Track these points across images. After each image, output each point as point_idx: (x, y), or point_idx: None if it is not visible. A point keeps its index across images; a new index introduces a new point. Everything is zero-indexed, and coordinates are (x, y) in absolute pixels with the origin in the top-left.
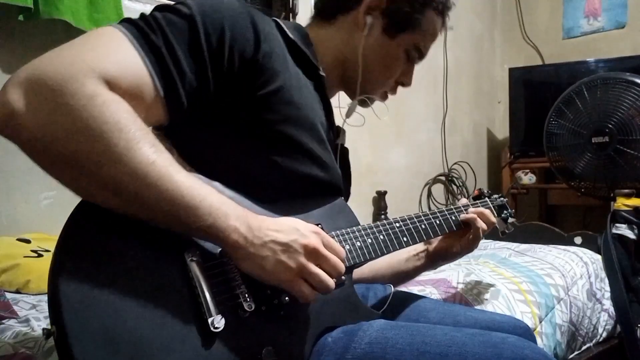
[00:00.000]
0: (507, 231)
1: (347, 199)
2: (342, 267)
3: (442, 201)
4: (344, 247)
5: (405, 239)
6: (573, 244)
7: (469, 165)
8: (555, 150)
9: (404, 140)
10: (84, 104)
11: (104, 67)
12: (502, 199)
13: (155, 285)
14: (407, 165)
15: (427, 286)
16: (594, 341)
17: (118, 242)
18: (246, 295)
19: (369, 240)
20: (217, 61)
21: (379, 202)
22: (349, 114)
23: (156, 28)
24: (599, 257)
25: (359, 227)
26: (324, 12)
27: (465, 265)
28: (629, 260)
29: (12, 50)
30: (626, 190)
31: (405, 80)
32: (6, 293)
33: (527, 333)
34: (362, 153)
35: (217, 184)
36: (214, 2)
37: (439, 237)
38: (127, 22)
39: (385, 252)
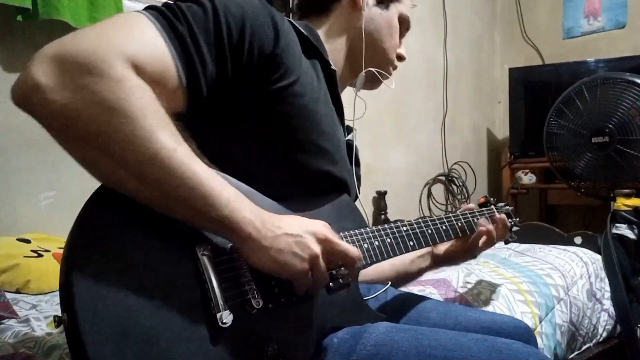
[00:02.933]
0: (510, 240)
1: (356, 199)
2: (356, 252)
3: (442, 201)
4: None
5: (411, 242)
6: (573, 244)
7: (469, 165)
8: (555, 150)
9: (404, 140)
10: (112, 85)
11: (132, 51)
12: (507, 207)
13: (166, 279)
14: (407, 165)
15: (427, 286)
16: (594, 341)
17: (131, 234)
18: (255, 292)
19: (376, 243)
20: (237, 54)
21: (379, 202)
22: (358, 88)
23: (181, 17)
24: (599, 257)
25: (367, 229)
26: (316, 7)
27: (465, 265)
28: (629, 260)
29: (12, 50)
30: (626, 190)
31: (402, 52)
32: (6, 293)
33: (527, 333)
34: (362, 153)
35: (232, 179)
36: None
37: (446, 242)
38: (153, 9)
39: (392, 255)
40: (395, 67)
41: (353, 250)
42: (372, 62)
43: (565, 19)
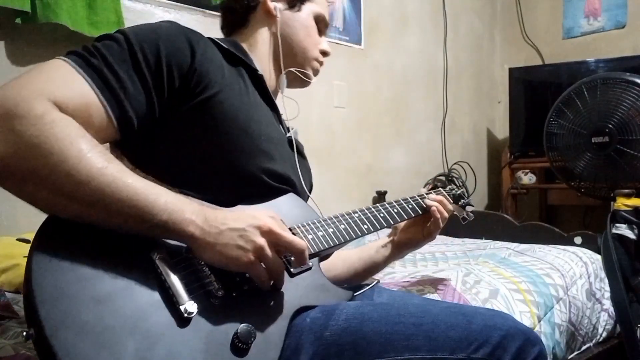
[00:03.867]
0: (468, 218)
1: (310, 191)
2: (301, 243)
3: None
4: (307, 237)
5: (365, 226)
6: (573, 244)
7: (469, 165)
8: (555, 150)
9: (404, 140)
10: (34, 123)
11: (51, 90)
12: (457, 189)
13: (127, 284)
14: (407, 165)
15: (426, 286)
16: (593, 341)
17: (88, 247)
18: (215, 284)
19: (331, 230)
20: (157, 76)
21: (379, 202)
22: (282, 88)
23: (96, 53)
24: (598, 257)
25: (319, 219)
26: (235, 23)
27: (465, 265)
28: (629, 260)
29: (11, 52)
30: (626, 190)
31: (326, 48)
32: (6, 293)
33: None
34: (362, 153)
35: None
36: (148, 26)
37: (403, 228)
38: (70, 54)
39: (348, 238)
40: (321, 63)
41: (298, 241)
42: (295, 63)
43: (565, 19)
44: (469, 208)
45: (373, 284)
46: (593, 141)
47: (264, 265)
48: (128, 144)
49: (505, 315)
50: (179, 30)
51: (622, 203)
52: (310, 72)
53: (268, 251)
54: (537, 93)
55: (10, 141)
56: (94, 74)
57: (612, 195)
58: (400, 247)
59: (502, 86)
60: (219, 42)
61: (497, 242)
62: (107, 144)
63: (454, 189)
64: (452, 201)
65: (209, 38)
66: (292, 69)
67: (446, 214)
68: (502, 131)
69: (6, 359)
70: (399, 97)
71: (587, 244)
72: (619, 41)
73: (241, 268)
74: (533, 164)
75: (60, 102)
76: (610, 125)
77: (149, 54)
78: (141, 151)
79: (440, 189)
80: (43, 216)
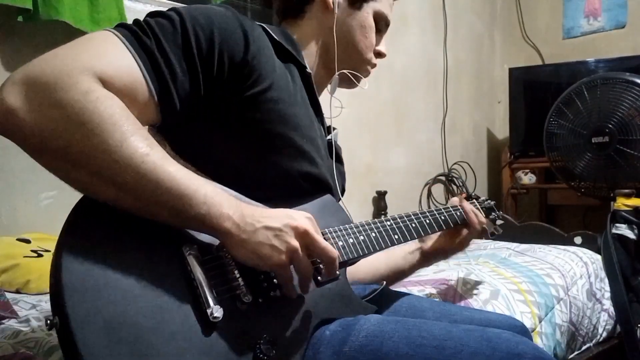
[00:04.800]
0: (496, 232)
1: (342, 195)
2: (333, 251)
3: (442, 201)
4: (337, 244)
5: (396, 236)
6: (573, 244)
7: (469, 165)
8: (555, 150)
9: (404, 140)
10: (78, 99)
11: (98, 66)
12: (489, 201)
13: (154, 279)
14: (407, 165)
15: (427, 286)
16: (594, 341)
17: (117, 238)
18: (243, 287)
19: (361, 237)
20: (207, 64)
21: (379, 202)
22: (332, 90)
23: (149, 32)
24: (598, 257)
25: (351, 224)
26: (291, 11)
27: (465, 265)
28: (629, 260)
29: (12, 50)
30: (626, 190)
31: (381, 49)
32: (6, 293)
33: (523, 332)
34: (362, 153)
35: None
36: (203, 9)
37: (432, 236)
38: (121, 27)
39: (378, 248)
40: (373, 65)
41: (331, 249)
42: (347, 63)
43: (565, 19)
44: (498, 222)
45: (380, 287)
46: (593, 141)
47: (294, 267)
48: (170, 130)
49: (528, 342)
50: (234, 19)
51: (622, 203)
52: (362, 75)
53: (301, 254)
54: (537, 93)
55: (51, 116)
56: (144, 54)
57: (612, 195)
58: (428, 256)
59: (502, 86)
60: (270, 32)
61: (497, 242)
62: (149, 128)
63: (486, 200)
64: (484, 215)
65: (261, 26)
66: (345, 71)
67: (478, 227)
68: (502, 131)
69: (6, 358)
70: (399, 97)
71: (587, 244)
72: (619, 41)
73: (272, 268)
74: (533, 164)
75: (106, 79)
76: (610, 125)
77: (202, 40)
78: (182, 139)
79: (474, 200)
80: (42, 217)
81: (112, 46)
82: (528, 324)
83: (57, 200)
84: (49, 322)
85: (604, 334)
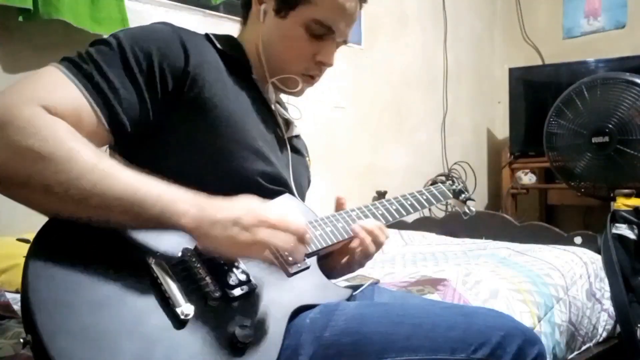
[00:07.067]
0: (468, 212)
1: (307, 187)
2: (300, 227)
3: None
4: None
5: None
6: (573, 244)
7: (469, 165)
8: (555, 150)
9: (404, 140)
10: (23, 126)
11: (41, 96)
12: (457, 184)
13: (123, 288)
14: (407, 165)
15: (427, 286)
16: (593, 341)
17: (83, 252)
18: (211, 285)
19: (329, 228)
20: (150, 80)
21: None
22: (270, 98)
23: (87, 59)
24: (598, 257)
25: (317, 218)
26: (241, 16)
27: (465, 265)
28: (629, 260)
29: (12, 51)
30: (626, 190)
31: (322, 58)
32: (6, 293)
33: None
34: (362, 153)
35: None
36: (142, 29)
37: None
38: (63, 60)
39: (346, 236)
40: (313, 75)
41: (298, 223)
42: (278, 72)
43: (565, 19)
44: (470, 203)
45: (370, 282)
46: (593, 141)
47: (271, 248)
48: (124, 148)
49: (505, 316)
50: (173, 32)
51: (622, 203)
52: (299, 85)
53: (268, 234)
54: (537, 93)
55: (1, 148)
56: (83, 78)
57: (612, 195)
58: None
59: (502, 86)
60: (214, 40)
61: (497, 242)
62: (106, 148)
63: (453, 185)
64: (452, 196)
65: (206, 35)
66: (274, 79)
67: (372, 249)
68: (502, 131)
69: (6, 359)
70: (399, 97)
71: (587, 244)
72: (619, 41)
73: (240, 252)
74: (533, 164)
75: (50, 107)
76: (610, 125)
77: (141, 57)
78: (137, 154)
79: (439, 184)
80: (42, 217)
81: (54, 77)
82: (528, 323)
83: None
84: (22, 340)
85: (604, 334)
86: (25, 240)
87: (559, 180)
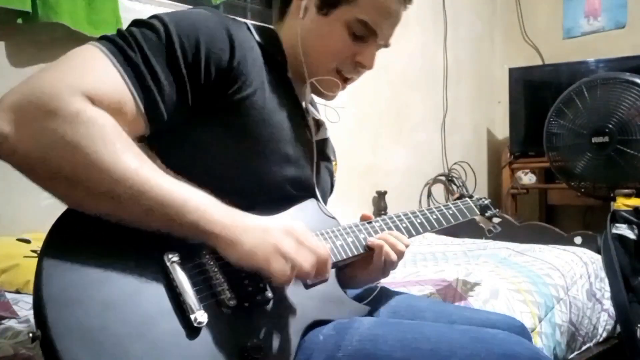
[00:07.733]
0: (493, 230)
1: (330, 192)
2: (325, 250)
3: (442, 201)
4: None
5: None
6: (573, 244)
7: (469, 165)
8: (555, 150)
9: (404, 140)
10: (69, 121)
11: (85, 84)
12: (483, 199)
13: (137, 288)
14: (407, 165)
15: (427, 286)
16: (594, 341)
17: (98, 249)
18: (227, 292)
19: (350, 239)
20: (194, 73)
21: (379, 202)
22: (306, 99)
23: (134, 45)
24: (598, 257)
25: (339, 227)
26: (279, 11)
27: (465, 266)
28: (629, 260)
29: (12, 53)
30: (626, 190)
31: (362, 59)
32: (6, 293)
33: (522, 332)
34: (362, 153)
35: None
36: (188, 15)
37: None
38: (106, 40)
39: (368, 249)
40: (347, 79)
41: (323, 247)
42: (313, 73)
43: (565, 19)
44: (495, 220)
45: (377, 289)
46: (593, 141)
47: (291, 264)
48: (158, 141)
49: (523, 342)
50: (219, 23)
51: (622, 203)
52: (331, 88)
53: (286, 246)
54: (537, 93)
55: (43, 141)
56: (129, 69)
57: (612, 195)
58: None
59: (502, 86)
60: (253, 32)
61: (497, 242)
62: (141, 145)
63: (480, 199)
64: (479, 212)
65: (247, 25)
66: (313, 80)
67: (394, 257)
68: (502, 131)
69: (6, 358)
70: (399, 97)
71: (587, 244)
72: (619, 41)
73: (260, 264)
74: (533, 164)
75: (94, 97)
76: (610, 125)
77: (187, 50)
78: (170, 150)
79: (466, 199)
80: (42, 217)
81: (98, 62)
82: (528, 324)
83: (57, 200)
84: (31, 335)
85: (604, 334)
86: (26, 240)
87: (559, 180)
